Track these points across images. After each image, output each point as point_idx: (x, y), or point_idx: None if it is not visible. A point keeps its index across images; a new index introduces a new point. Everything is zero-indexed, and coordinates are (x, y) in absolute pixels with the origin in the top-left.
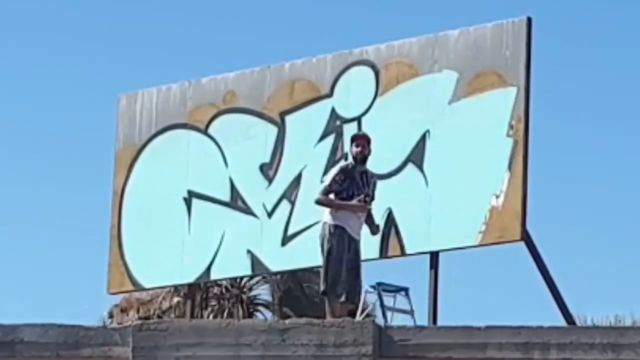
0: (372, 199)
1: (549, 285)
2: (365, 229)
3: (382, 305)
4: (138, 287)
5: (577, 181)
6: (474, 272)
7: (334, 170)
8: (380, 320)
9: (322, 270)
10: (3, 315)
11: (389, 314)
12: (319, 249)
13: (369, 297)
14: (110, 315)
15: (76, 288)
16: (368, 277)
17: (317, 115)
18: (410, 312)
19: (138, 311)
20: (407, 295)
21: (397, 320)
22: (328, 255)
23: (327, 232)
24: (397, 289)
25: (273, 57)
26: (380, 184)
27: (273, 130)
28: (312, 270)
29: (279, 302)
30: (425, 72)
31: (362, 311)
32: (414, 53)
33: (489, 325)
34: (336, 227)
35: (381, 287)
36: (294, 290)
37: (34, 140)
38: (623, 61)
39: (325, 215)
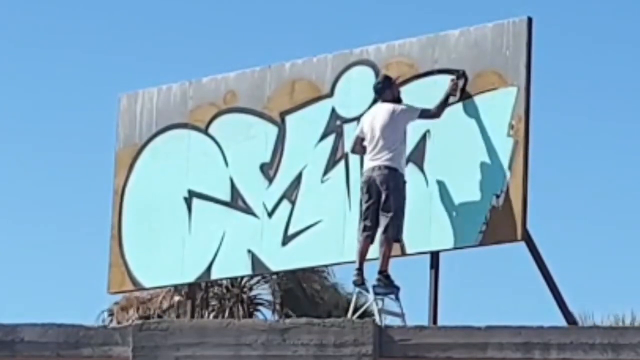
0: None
1: (549, 285)
2: None
3: (379, 311)
4: (138, 286)
5: (577, 181)
6: (474, 272)
7: None
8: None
9: (400, 219)
10: (3, 315)
11: (377, 316)
12: (395, 194)
13: (361, 298)
14: (110, 314)
15: (76, 288)
16: (368, 277)
17: (317, 115)
18: (401, 315)
19: (138, 310)
20: (397, 298)
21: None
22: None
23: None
24: (386, 292)
25: (273, 57)
26: None
27: (273, 130)
28: (312, 270)
29: (280, 302)
30: (426, 72)
31: (355, 311)
32: (414, 53)
33: (490, 325)
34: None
35: (374, 291)
36: (294, 290)
37: (34, 139)
38: (624, 61)
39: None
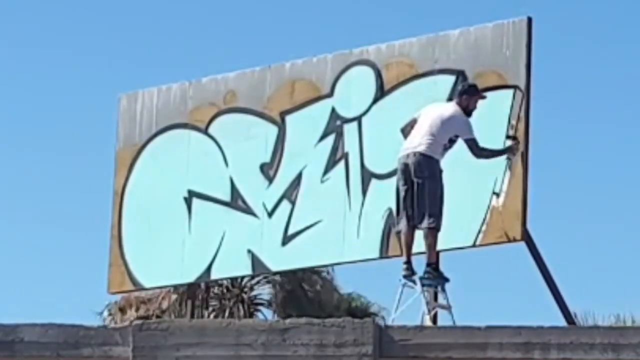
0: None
1: (549, 285)
2: None
3: (427, 303)
4: (138, 286)
5: (577, 181)
6: (474, 272)
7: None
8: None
9: (438, 207)
10: (3, 315)
11: (425, 307)
12: (431, 182)
13: (406, 292)
14: (110, 314)
15: (76, 288)
16: (368, 277)
17: (317, 115)
18: (448, 308)
19: (137, 310)
20: (443, 289)
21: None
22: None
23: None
24: (433, 284)
25: (273, 57)
26: (380, 184)
27: (273, 130)
28: (312, 270)
29: (281, 302)
30: (426, 72)
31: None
32: (414, 53)
33: (489, 325)
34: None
35: (422, 282)
36: (295, 291)
37: (34, 140)
38: (624, 61)
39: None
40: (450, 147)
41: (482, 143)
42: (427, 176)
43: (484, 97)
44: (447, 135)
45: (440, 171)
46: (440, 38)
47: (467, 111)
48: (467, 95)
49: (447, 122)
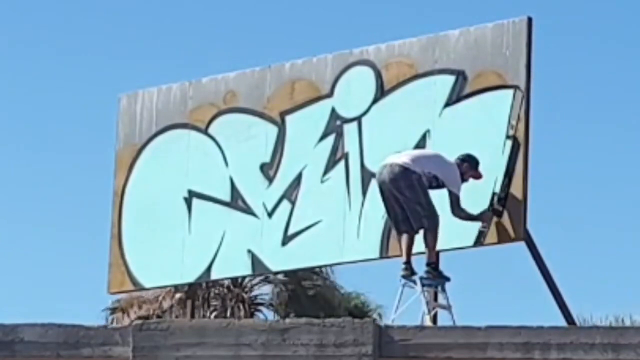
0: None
1: (549, 285)
2: None
3: (427, 303)
4: (138, 286)
5: (577, 181)
6: (474, 272)
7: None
8: (425, 317)
9: (424, 210)
10: (3, 315)
11: (425, 307)
12: (410, 192)
13: (406, 292)
14: (112, 313)
15: (76, 288)
16: (367, 277)
17: (317, 115)
18: (448, 308)
19: (140, 308)
20: (443, 289)
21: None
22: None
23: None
24: (432, 283)
25: (273, 57)
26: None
27: (273, 130)
28: (312, 270)
29: (281, 302)
30: (426, 72)
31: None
32: (414, 53)
33: (489, 325)
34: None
35: (422, 282)
36: (295, 291)
37: (34, 140)
38: (623, 61)
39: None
40: (430, 184)
41: (481, 146)
42: (405, 187)
43: (479, 178)
44: (434, 168)
45: (418, 177)
46: (440, 38)
47: (462, 178)
48: (468, 165)
49: (439, 160)
